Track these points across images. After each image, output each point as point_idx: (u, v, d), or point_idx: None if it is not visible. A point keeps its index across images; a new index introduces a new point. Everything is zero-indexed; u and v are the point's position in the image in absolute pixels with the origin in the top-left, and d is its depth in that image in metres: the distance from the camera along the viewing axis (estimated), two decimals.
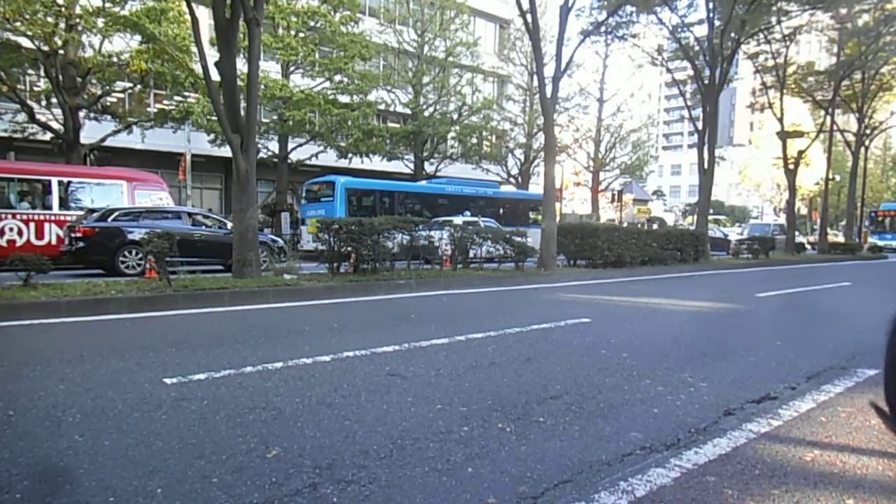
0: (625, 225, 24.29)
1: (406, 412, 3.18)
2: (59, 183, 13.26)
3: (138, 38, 16.56)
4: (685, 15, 19.90)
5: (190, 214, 12.93)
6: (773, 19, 20.21)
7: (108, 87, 18.16)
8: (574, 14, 16.45)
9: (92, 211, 11.91)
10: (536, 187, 27.82)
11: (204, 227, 12.40)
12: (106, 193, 13.58)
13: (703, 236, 17.85)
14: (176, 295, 7.21)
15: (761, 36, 21.75)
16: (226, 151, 18.05)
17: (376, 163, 26.04)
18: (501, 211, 23.14)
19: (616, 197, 37.28)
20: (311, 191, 20.44)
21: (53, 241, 12.57)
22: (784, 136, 23.97)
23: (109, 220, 11.29)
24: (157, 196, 14.32)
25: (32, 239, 12.59)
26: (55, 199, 13.07)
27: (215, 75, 9.38)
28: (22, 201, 13.06)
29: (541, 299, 8.92)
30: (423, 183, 24.08)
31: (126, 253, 11.00)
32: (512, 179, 31.20)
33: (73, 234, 11.10)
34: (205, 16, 16.33)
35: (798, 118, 32.95)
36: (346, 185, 19.34)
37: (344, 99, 22.53)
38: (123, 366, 4.06)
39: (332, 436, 2.79)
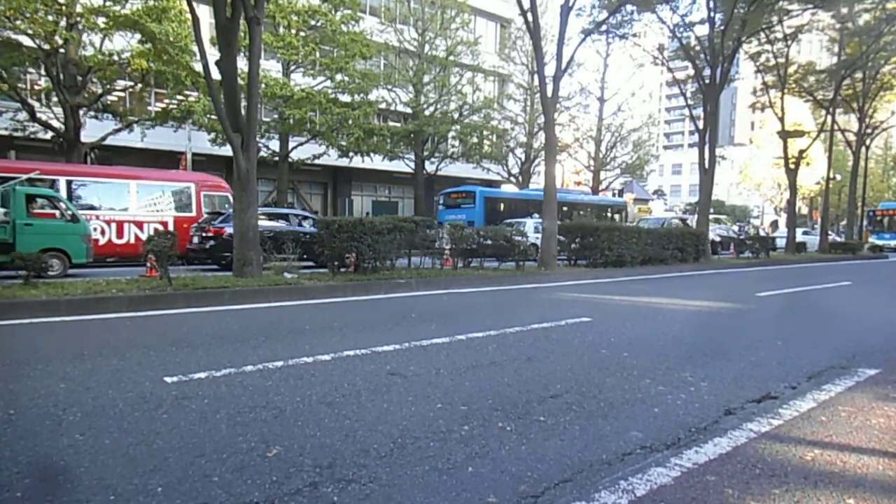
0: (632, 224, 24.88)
1: (406, 411, 3.18)
2: (137, 186, 14.10)
3: (139, 36, 16.54)
4: (686, 14, 20.01)
5: (296, 215, 14.68)
6: (775, 19, 20.19)
7: (108, 86, 18.14)
8: (575, 13, 16.41)
9: (213, 213, 13.34)
10: (537, 186, 27.80)
11: (305, 227, 13.86)
12: (178, 195, 14.71)
13: (704, 236, 17.84)
14: (176, 294, 7.21)
15: (762, 35, 21.73)
16: (226, 150, 18.07)
17: (377, 162, 26.05)
18: (590, 213, 26.73)
19: (617, 196, 37.27)
20: (451, 198, 24.16)
21: (132, 241, 13.44)
22: (785, 135, 23.95)
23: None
24: (218, 196, 15.43)
25: (114, 238, 13.43)
26: (132, 201, 13.86)
27: (216, 74, 9.38)
28: (103, 203, 13.77)
29: (541, 299, 8.91)
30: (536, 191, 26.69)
31: None
32: (512, 179, 31.19)
33: (203, 234, 12.64)
34: (205, 14, 16.33)
35: (799, 118, 32.92)
36: (483, 193, 23.50)
37: (345, 98, 22.52)
38: (124, 365, 4.07)
39: (332, 435, 2.80)
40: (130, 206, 13.77)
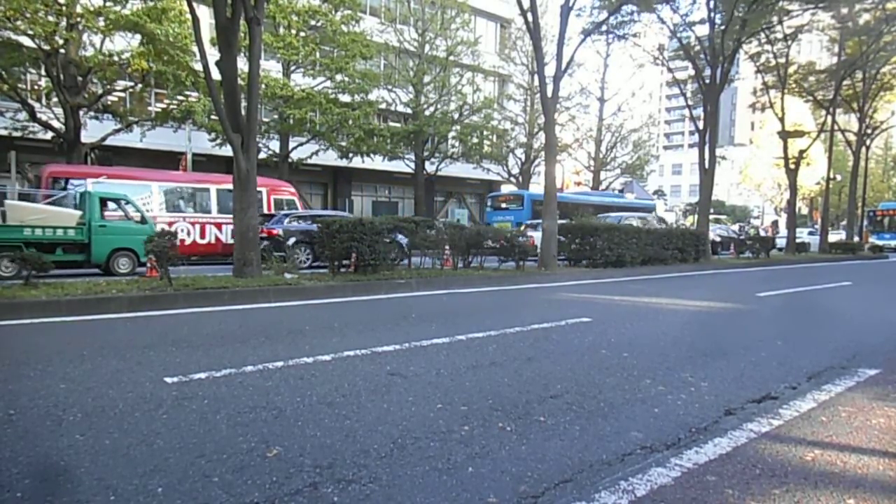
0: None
1: (407, 411, 3.18)
2: (217, 190, 15.15)
3: (139, 37, 16.54)
4: (686, 14, 19.89)
5: (340, 218, 15.48)
6: (775, 19, 20.17)
7: (108, 86, 18.14)
8: (575, 13, 16.37)
9: (265, 216, 13.90)
10: (537, 187, 27.80)
11: None
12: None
13: (704, 236, 17.83)
14: (177, 294, 7.21)
15: (762, 35, 21.71)
16: (226, 151, 18.10)
17: (377, 162, 26.05)
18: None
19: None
20: (498, 201, 26.01)
21: (213, 241, 14.73)
22: (785, 135, 23.94)
23: (285, 222, 13.59)
24: (286, 199, 16.62)
25: (197, 239, 14.57)
26: (213, 204, 15.04)
27: (216, 74, 9.38)
28: (188, 206, 15.03)
29: (541, 299, 8.91)
30: (574, 195, 29.33)
31: (297, 250, 13.04)
32: (513, 179, 31.19)
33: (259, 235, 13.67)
34: (205, 15, 16.33)
35: (799, 118, 32.90)
36: (531, 197, 24.33)
37: (345, 98, 22.52)
38: (124, 365, 4.07)
39: (332, 435, 2.80)
40: (212, 208, 15.00)
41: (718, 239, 24.45)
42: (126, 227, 11.07)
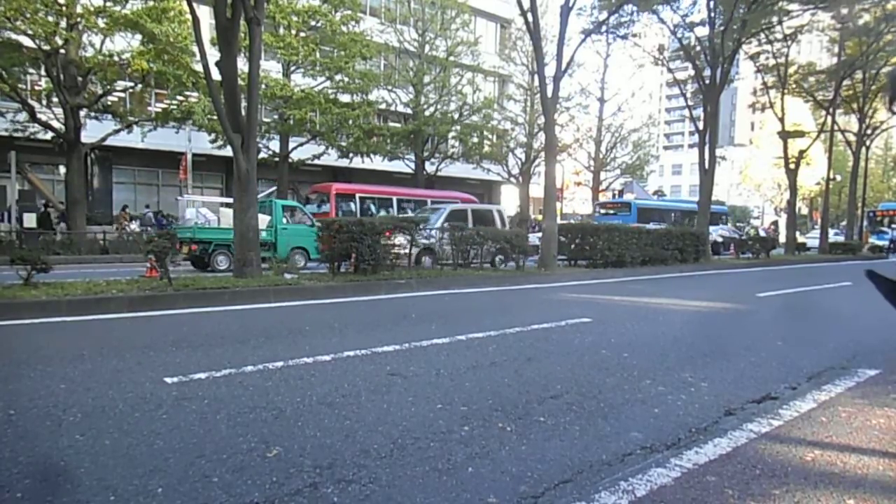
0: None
1: (407, 412, 3.18)
2: (431, 202, 18.19)
3: (139, 37, 16.55)
4: (686, 14, 19.89)
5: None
6: (775, 19, 20.17)
7: (108, 87, 18.16)
8: (575, 13, 16.40)
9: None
10: (537, 187, 27.81)
11: None
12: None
13: (704, 236, 17.83)
14: (177, 294, 7.21)
15: (762, 36, 21.71)
16: (226, 151, 18.10)
17: (377, 162, 26.04)
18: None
19: (617, 197, 37.24)
20: (607, 207, 29.41)
21: None
22: (785, 135, 23.94)
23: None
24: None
25: None
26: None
27: (216, 75, 9.38)
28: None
29: (541, 299, 8.91)
30: (669, 202, 34.15)
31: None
32: (513, 179, 31.18)
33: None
34: (206, 15, 16.34)
35: (799, 118, 32.87)
36: (637, 204, 27.91)
37: (344, 98, 22.53)
38: (124, 365, 4.07)
39: (332, 435, 2.79)
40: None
41: (720, 239, 24.53)
42: (301, 229, 13.67)
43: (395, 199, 19.08)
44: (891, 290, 2.22)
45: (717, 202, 36.12)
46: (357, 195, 18.47)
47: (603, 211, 29.44)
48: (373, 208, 19.02)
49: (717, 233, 24.53)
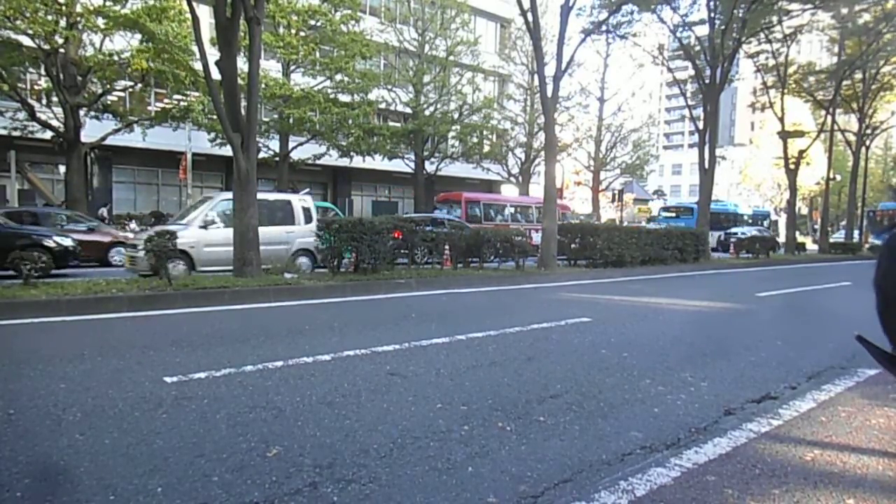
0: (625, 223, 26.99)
1: (406, 411, 3.18)
2: (536, 206, 20.45)
3: (139, 36, 16.52)
4: (686, 14, 19.88)
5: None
6: (774, 19, 20.18)
7: (108, 86, 18.11)
8: (575, 13, 16.41)
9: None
10: (537, 187, 27.81)
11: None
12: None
13: (704, 236, 17.83)
14: (176, 294, 7.21)
15: (762, 35, 21.71)
16: (226, 150, 18.05)
17: (377, 162, 26.03)
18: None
19: (617, 196, 37.23)
20: (669, 210, 32.85)
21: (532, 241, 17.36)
22: (785, 135, 23.94)
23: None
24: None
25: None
26: (535, 216, 20.47)
27: (216, 74, 9.36)
28: (523, 217, 21.31)
29: (541, 299, 8.91)
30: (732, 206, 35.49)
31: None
32: (512, 179, 31.17)
33: None
34: (205, 14, 16.32)
35: (799, 118, 32.89)
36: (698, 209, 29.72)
37: (344, 98, 22.49)
38: (124, 364, 4.06)
39: (332, 435, 2.79)
40: (533, 219, 20.19)
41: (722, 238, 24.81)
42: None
43: (507, 204, 22.49)
44: (883, 357, 2.22)
45: (756, 208, 40.41)
46: (481, 202, 21.54)
47: (666, 214, 32.18)
48: (491, 213, 21.37)
49: (749, 234, 25.41)
